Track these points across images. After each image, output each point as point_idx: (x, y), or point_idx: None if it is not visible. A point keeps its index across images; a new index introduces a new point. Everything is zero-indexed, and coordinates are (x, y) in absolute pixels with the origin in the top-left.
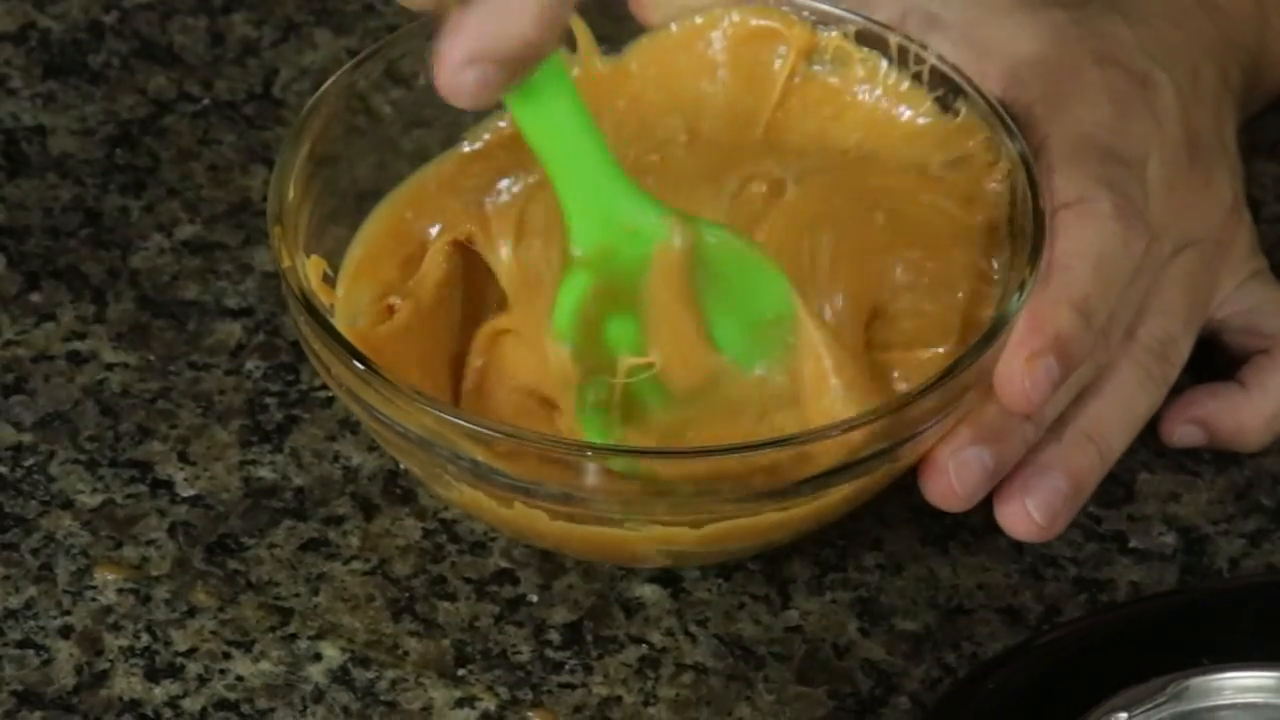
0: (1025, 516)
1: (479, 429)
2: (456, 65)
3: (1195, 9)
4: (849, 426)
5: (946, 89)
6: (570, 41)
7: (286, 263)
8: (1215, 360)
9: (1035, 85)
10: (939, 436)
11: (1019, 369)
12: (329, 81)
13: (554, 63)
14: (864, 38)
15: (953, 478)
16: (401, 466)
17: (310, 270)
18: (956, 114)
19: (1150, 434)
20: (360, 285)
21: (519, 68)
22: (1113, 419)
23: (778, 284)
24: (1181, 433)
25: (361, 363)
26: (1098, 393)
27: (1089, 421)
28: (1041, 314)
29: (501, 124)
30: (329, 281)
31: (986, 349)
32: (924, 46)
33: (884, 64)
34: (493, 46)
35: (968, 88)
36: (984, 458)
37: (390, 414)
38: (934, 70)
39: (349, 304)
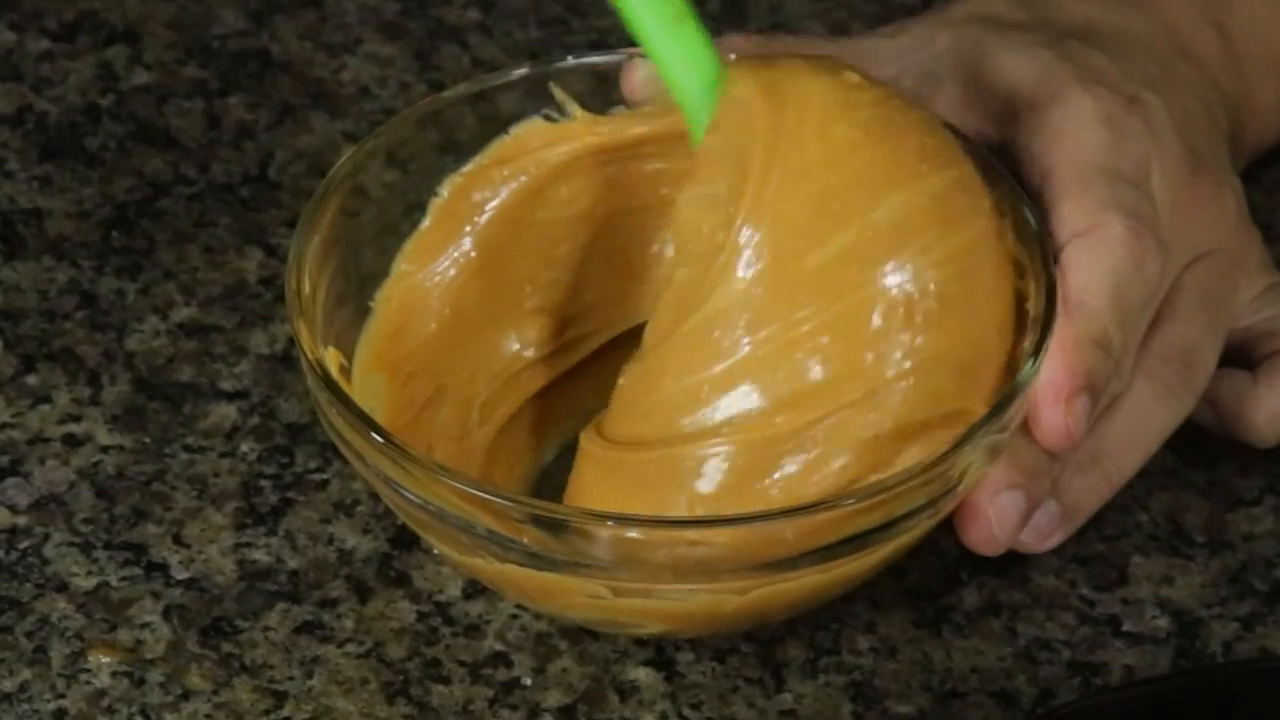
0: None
1: (534, 511)
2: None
3: (1172, 55)
4: (890, 485)
5: None
6: (560, 110)
7: (313, 356)
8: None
9: (1029, 119)
10: (975, 482)
11: (1060, 412)
12: (332, 170)
13: None
14: None
15: (994, 525)
16: (396, 550)
17: (329, 363)
18: None
19: (1144, 513)
20: (375, 376)
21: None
22: (1121, 438)
23: None
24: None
25: (402, 451)
26: (1111, 413)
27: (1095, 443)
28: (1069, 354)
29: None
30: (345, 373)
31: (1015, 401)
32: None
33: None
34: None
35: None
36: (1019, 500)
37: (430, 499)
38: None
39: (365, 393)
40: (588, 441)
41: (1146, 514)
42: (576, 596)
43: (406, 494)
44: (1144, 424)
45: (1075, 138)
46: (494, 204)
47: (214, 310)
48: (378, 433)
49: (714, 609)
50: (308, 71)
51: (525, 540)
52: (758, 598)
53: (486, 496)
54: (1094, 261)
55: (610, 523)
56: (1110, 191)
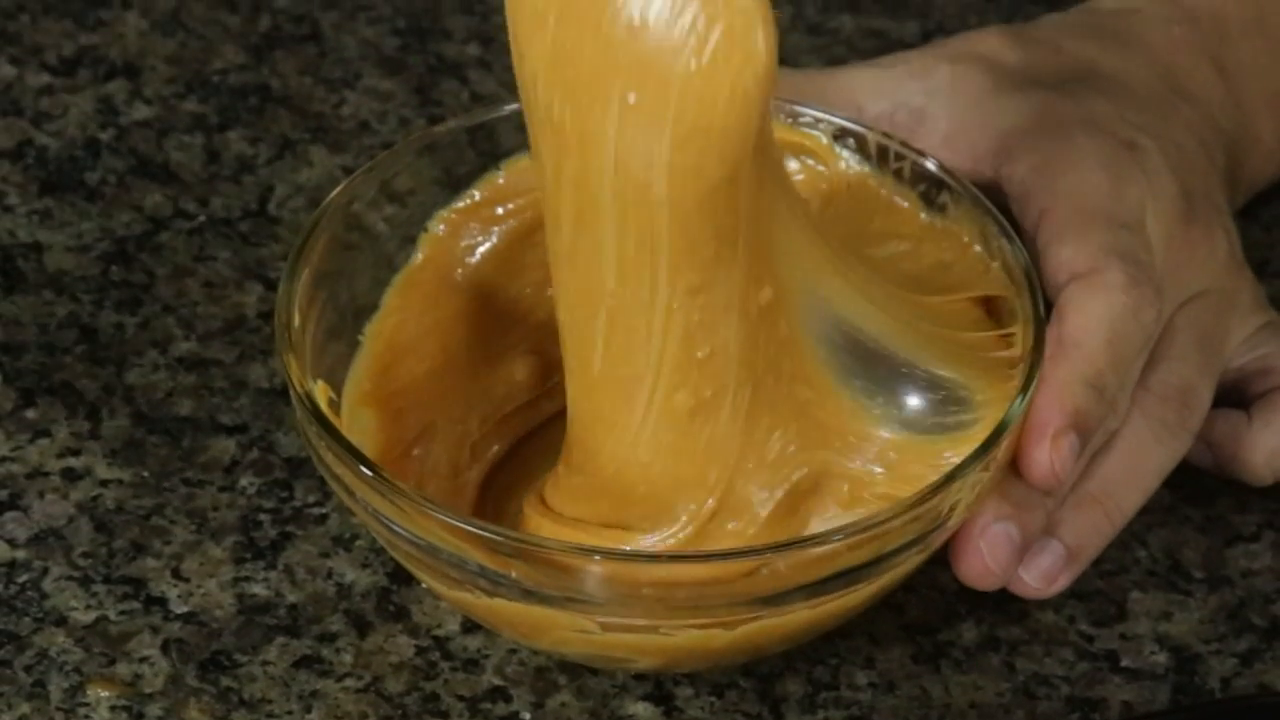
0: (1021, 583)
1: (525, 545)
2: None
3: (1170, 95)
4: (879, 522)
5: (930, 184)
6: None
7: (302, 390)
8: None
9: (1026, 156)
10: (965, 518)
11: (1045, 449)
12: (325, 201)
13: None
14: (842, 137)
15: (986, 556)
16: (395, 584)
17: (319, 397)
18: (943, 209)
19: (1143, 549)
20: (364, 412)
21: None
22: (1120, 477)
23: None
24: (1191, 449)
25: (391, 485)
26: (1108, 452)
27: (1096, 483)
28: (1060, 392)
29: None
30: (334, 407)
31: (1004, 436)
32: (903, 144)
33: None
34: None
35: (952, 183)
36: (1011, 532)
37: (417, 532)
38: (915, 166)
39: (354, 429)
40: (530, 509)
41: (1145, 550)
42: (566, 632)
43: (396, 528)
44: (1143, 463)
45: (1074, 180)
46: (485, 245)
47: (213, 344)
48: (367, 466)
49: (703, 643)
50: (307, 106)
51: (514, 575)
52: (747, 633)
53: (476, 531)
54: (1092, 306)
55: (598, 557)
56: (1110, 237)
